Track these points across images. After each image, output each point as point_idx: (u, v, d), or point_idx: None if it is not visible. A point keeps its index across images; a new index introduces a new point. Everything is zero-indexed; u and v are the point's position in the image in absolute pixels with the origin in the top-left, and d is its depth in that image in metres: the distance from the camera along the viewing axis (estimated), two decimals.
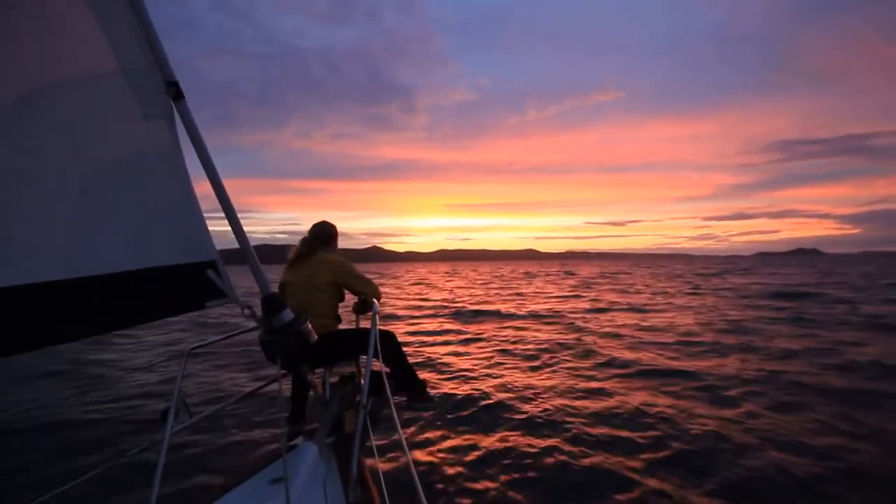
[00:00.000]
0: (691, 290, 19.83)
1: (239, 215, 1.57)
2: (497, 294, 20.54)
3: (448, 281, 34.97)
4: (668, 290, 20.58)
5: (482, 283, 30.14)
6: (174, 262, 1.48)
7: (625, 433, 3.87)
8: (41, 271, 1.17)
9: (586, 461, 3.35)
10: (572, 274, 43.96)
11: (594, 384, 5.43)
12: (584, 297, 17.90)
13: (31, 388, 5.54)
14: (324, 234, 2.57)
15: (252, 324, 1.80)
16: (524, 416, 4.33)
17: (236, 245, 1.64)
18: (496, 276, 41.79)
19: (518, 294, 20.30)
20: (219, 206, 1.57)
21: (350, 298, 2.61)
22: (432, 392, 2.62)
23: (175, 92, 1.44)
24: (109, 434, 3.97)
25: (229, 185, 1.58)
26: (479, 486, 3.06)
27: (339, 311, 2.50)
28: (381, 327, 2.17)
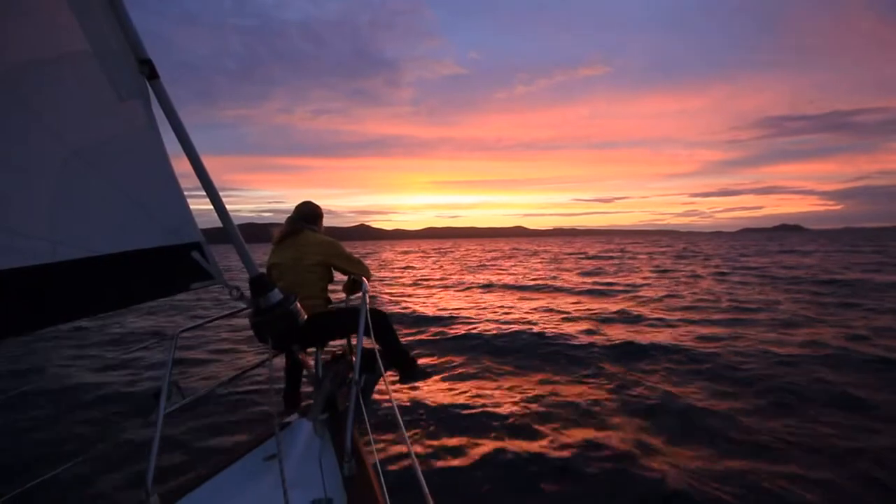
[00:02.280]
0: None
1: (223, 193, 1.56)
2: None
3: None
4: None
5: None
6: (158, 244, 1.47)
7: None
8: (22, 256, 1.16)
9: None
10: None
11: None
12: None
13: (18, 372, 5.49)
14: (309, 213, 2.56)
15: (241, 305, 1.80)
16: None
17: (220, 224, 1.63)
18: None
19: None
20: (200, 185, 1.55)
21: (340, 278, 2.62)
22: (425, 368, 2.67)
23: (149, 70, 1.41)
24: (103, 417, 3.98)
25: (211, 163, 1.56)
26: (472, 457, 3.13)
27: (329, 291, 2.52)
28: (372, 306, 2.19)
